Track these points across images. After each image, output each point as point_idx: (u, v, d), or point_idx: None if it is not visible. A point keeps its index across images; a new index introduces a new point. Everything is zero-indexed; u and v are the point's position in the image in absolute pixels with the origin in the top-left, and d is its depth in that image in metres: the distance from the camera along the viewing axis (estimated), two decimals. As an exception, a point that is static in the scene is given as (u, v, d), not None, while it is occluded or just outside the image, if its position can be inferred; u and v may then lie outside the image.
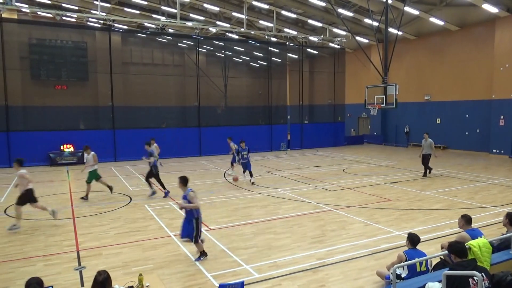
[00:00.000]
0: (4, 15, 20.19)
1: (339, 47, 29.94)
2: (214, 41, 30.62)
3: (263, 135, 26.94)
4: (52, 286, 4.87)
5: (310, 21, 28.43)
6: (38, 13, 24.89)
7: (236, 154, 16.11)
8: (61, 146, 20.93)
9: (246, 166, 15.50)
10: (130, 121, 23.72)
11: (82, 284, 6.46)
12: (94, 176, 12.80)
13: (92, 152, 12.92)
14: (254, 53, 32.11)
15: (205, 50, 29.90)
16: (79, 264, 7.36)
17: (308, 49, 31.62)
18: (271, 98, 27.63)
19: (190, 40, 27.52)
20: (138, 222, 10.18)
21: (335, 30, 29.09)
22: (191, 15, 28.64)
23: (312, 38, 29.76)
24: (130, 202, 12.44)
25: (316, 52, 32.92)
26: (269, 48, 28.62)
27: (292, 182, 15.57)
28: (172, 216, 10.67)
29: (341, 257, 7.64)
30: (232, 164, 17.16)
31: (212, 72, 28.28)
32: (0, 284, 6.52)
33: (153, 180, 13.33)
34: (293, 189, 14.25)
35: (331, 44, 30.29)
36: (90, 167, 12.78)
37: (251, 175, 15.44)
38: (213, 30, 29.68)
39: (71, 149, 21.13)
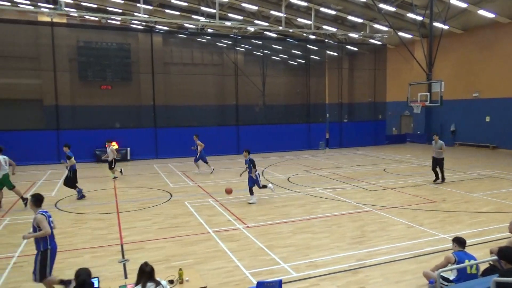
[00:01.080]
0: (54, 20, 21.32)
1: (380, 43, 29.12)
2: (252, 40, 30.76)
3: (301, 134, 26.74)
4: (98, 278, 5.10)
5: (350, 17, 27.85)
6: (85, 17, 26.14)
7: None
8: (106, 144, 21.83)
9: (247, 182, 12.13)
10: (170, 120, 24.35)
11: (126, 277, 6.70)
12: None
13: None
14: (292, 51, 31.93)
15: (243, 49, 30.10)
16: (123, 257, 7.65)
17: (347, 46, 31.01)
18: (309, 96, 27.37)
19: (228, 40, 27.81)
20: (179, 218, 10.42)
21: (376, 26, 28.32)
22: (230, 14, 28.92)
23: (352, 34, 29.15)
24: (170, 198, 12.77)
25: (356, 49, 32.22)
26: (308, 46, 28.35)
27: (330, 181, 15.34)
28: (211, 213, 10.84)
29: (382, 259, 7.43)
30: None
31: (250, 71, 28.43)
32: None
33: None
34: (332, 188, 14.04)
35: (371, 41, 29.53)
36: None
37: (250, 192, 11.98)
38: (251, 29, 29.83)
39: (116, 146, 21.99)
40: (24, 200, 11.41)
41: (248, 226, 9.57)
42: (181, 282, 5.10)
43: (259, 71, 29.42)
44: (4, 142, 19.14)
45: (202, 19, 27.95)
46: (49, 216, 6.03)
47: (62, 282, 6.17)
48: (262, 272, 6.90)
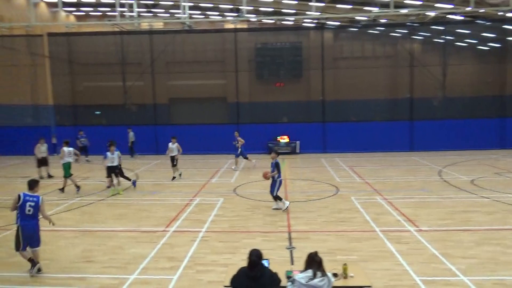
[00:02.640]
0: (237, 26, 23.90)
1: None
2: (432, 26, 27.80)
3: (491, 130, 22.87)
4: (268, 260, 5.46)
5: None
6: (263, 20, 28.38)
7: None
8: (278, 137, 23.36)
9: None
10: (339, 115, 24.29)
11: (292, 263, 7.01)
12: None
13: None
14: (483, 34, 27.50)
15: (421, 37, 27.52)
16: (290, 244, 8.02)
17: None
18: (505, 86, 23.13)
19: (404, 29, 25.88)
20: (344, 213, 10.31)
21: None
22: (406, 1, 26.83)
23: None
24: (337, 193, 12.74)
25: None
26: (504, 26, 23.93)
27: (531, 188, 12.66)
28: (378, 211, 10.34)
29: None
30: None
31: (428, 61, 25.78)
32: (228, 250, 7.78)
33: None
34: (533, 196, 11.56)
35: None
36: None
37: (276, 198, 10.67)
38: (431, 14, 26.98)
39: (286, 140, 23.27)
40: (77, 187, 13.16)
41: (420, 229, 8.74)
42: (345, 277, 5.01)
43: (438, 60, 26.42)
44: (193, 134, 22.70)
45: (375, 9, 26.76)
46: (26, 201, 6.67)
47: (31, 260, 6.75)
48: (436, 281, 6.20)
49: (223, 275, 5.40)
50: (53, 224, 7.26)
